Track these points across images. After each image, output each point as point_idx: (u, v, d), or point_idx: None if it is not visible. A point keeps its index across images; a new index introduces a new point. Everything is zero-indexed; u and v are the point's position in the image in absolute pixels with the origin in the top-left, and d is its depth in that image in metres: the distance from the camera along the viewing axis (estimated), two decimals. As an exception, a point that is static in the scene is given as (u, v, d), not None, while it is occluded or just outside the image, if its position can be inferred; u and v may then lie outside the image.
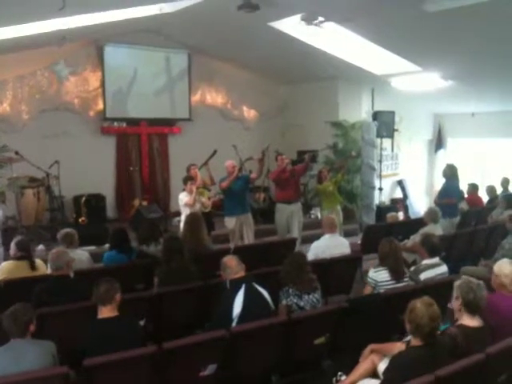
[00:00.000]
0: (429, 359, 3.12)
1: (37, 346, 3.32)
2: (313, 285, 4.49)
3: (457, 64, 9.10)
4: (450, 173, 8.19)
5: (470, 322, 3.53)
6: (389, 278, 4.84)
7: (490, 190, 9.92)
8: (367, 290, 5.01)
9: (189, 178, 7.60)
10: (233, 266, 4.31)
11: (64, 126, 9.82)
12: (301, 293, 4.38)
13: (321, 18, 7.82)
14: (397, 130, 11.93)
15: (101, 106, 10.33)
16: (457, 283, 3.68)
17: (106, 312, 3.64)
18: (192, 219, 6.15)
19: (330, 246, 6.06)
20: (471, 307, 3.52)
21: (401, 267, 4.95)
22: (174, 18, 8.64)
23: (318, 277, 4.65)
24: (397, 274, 4.85)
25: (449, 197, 7.98)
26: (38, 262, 5.38)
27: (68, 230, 5.68)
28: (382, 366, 3.59)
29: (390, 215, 8.80)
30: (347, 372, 3.92)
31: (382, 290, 4.79)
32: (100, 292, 3.63)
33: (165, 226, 9.16)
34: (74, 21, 7.52)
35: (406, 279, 4.93)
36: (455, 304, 3.60)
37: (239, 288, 4.12)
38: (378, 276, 4.87)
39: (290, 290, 4.39)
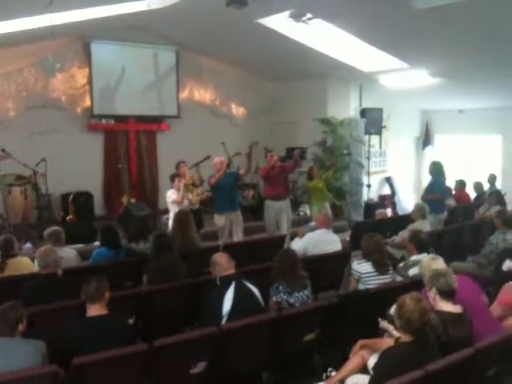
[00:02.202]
0: (418, 354, 3.13)
1: (26, 345, 3.29)
2: (303, 282, 4.50)
3: (444, 61, 9.14)
4: (435, 169, 8.25)
5: (446, 307, 3.58)
6: (372, 270, 4.91)
7: (478, 186, 10.01)
8: (352, 282, 5.07)
9: (176, 175, 7.58)
10: (223, 263, 4.31)
11: (51, 123, 9.72)
12: (291, 290, 4.38)
13: (309, 15, 7.83)
14: (385, 127, 11.99)
15: (88, 102, 10.23)
16: (426, 277, 3.79)
17: (95, 310, 3.61)
18: (181, 217, 6.13)
19: (324, 241, 6.09)
20: (445, 292, 3.59)
21: (385, 260, 5.03)
22: (162, 14, 8.59)
23: (308, 273, 4.66)
24: (381, 268, 4.93)
25: (434, 193, 8.04)
26: (26, 260, 5.35)
27: (54, 228, 5.64)
28: (372, 362, 3.61)
29: (378, 212, 8.85)
30: (337, 368, 3.93)
31: (366, 283, 4.86)
32: (90, 290, 3.60)
33: (153, 224, 9.12)
34: (61, 17, 7.46)
35: (390, 272, 4.99)
36: (431, 295, 3.65)
37: (229, 285, 4.13)
38: (361, 268, 4.94)
39: (281, 287, 4.39)
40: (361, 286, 4.92)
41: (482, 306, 4.01)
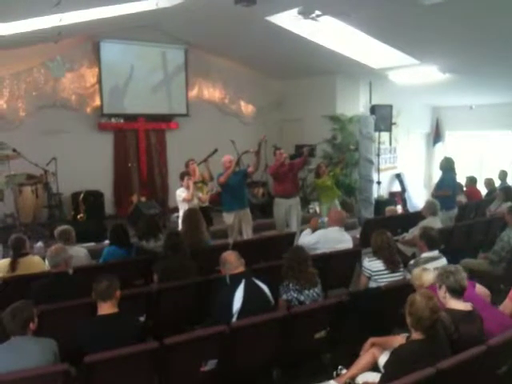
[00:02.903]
0: (430, 352, 3.12)
1: (37, 344, 3.31)
2: (313, 280, 4.49)
3: (454, 57, 9.08)
4: (446, 165, 8.20)
5: (456, 305, 3.55)
6: (383, 268, 4.89)
7: (488, 182, 9.94)
8: (363, 281, 5.06)
9: (185, 174, 7.59)
10: (232, 261, 4.31)
11: (61, 123, 9.78)
12: (301, 288, 4.37)
13: (318, 12, 7.80)
14: (395, 124, 11.92)
15: (98, 102, 10.30)
16: (435, 274, 3.76)
17: (105, 308, 3.62)
18: (191, 215, 6.14)
19: (336, 239, 6.03)
20: (455, 290, 3.56)
21: (395, 257, 5.00)
22: (170, 13, 8.60)
23: (318, 271, 4.65)
24: (392, 265, 4.90)
25: (444, 189, 7.98)
26: (37, 259, 5.38)
27: (65, 226, 5.67)
28: (383, 360, 3.59)
29: (388, 209, 8.80)
30: (348, 366, 3.92)
31: (377, 281, 4.84)
32: (101, 288, 3.61)
33: (163, 222, 9.14)
34: (70, 17, 7.49)
35: (401, 269, 4.97)
36: (440, 293, 3.62)
37: (239, 283, 4.12)
38: (372, 266, 4.93)
39: (291, 285, 4.39)
40: (372, 284, 4.91)
41: (479, 300, 3.97)
